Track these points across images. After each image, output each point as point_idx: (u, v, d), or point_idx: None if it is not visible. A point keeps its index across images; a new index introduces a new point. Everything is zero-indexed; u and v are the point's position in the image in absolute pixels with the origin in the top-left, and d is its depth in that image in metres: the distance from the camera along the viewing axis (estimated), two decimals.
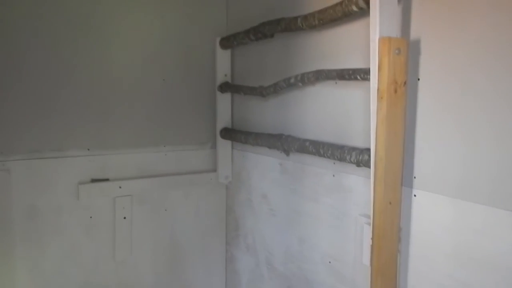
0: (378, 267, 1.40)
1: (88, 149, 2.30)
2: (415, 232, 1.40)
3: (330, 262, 1.80)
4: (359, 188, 1.63)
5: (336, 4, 1.53)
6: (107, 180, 2.36)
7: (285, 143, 1.92)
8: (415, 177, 1.39)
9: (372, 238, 1.40)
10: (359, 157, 1.50)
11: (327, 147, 1.66)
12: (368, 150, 1.46)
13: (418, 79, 1.37)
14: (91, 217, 2.31)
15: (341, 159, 1.59)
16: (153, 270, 2.52)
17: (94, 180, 2.34)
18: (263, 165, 2.28)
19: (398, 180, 1.39)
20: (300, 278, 2.01)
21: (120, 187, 2.36)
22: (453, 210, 1.27)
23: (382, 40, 1.31)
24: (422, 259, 1.38)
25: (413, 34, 1.38)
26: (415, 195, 1.40)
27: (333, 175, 1.76)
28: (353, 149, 1.54)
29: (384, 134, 1.33)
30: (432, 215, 1.34)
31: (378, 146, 1.34)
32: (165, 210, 2.54)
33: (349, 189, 1.68)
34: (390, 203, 1.39)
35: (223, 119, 2.58)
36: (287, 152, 1.97)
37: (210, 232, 2.71)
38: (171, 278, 2.59)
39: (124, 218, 2.39)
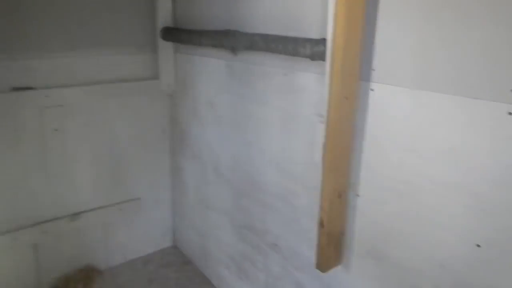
0: (330, 163, 1.34)
1: (6, 53, 1.98)
2: (371, 127, 1.34)
3: (279, 163, 1.75)
4: (312, 87, 1.52)
5: None
6: (31, 88, 2.08)
7: (232, 40, 1.74)
8: (373, 70, 1.29)
9: (326, 135, 1.32)
10: (314, 48, 1.36)
11: (279, 41, 1.50)
12: (324, 40, 1.32)
13: None
14: (15, 130, 2.06)
15: (295, 53, 1.45)
16: (92, 185, 2.37)
17: (15, 89, 2.05)
18: (209, 68, 2.09)
19: (356, 73, 1.29)
20: (247, 181, 1.97)
21: (47, 96, 2.10)
22: (411, 102, 1.20)
23: None
24: (377, 154, 1.34)
25: None
26: (372, 89, 1.31)
27: (285, 74, 1.62)
28: (308, 40, 1.40)
29: (344, 20, 1.19)
30: (390, 109, 1.27)
31: (337, 32, 1.20)
32: (103, 121, 2.32)
33: (301, 89, 1.57)
34: (346, 98, 1.30)
35: (164, 17, 2.29)
36: (234, 50, 1.79)
37: (154, 144, 2.56)
38: (113, 192, 2.46)
39: (56, 130, 2.17)
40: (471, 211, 1.11)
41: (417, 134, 1.21)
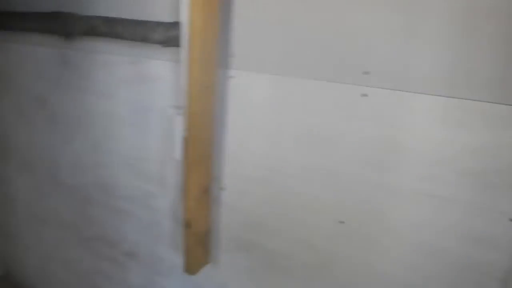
0: (193, 159, 1.25)
1: None
2: (233, 117, 1.29)
3: (132, 163, 1.57)
4: (166, 76, 1.39)
5: None
6: None
7: (64, 24, 1.48)
8: (233, 56, 1.24)
9: (187, 128, 1.22)
10: (166, 33, 1.24)
11: (125, 25, 1.33)
12: (178, 24, 1.22)
13: None
14: None
15: (144, 39, 1.30)
16: None
17: None
18: (36, 59, 1.76)
19: (215, 60, 1.22)
20: (95, 187, 1.73)
21: None
22: (272, 88, 1.19)
23: None
24: (240, 144, 1.30)
25: None
26: (232, 77, 1.26)
27: (133, 63, 1.46)
28: (159, 24, 1.27)
29: (201, 1, 1.10)
30: (251, 96, 1.24)
31: (194, 15, 1.10)
32: None
33: (153, 78, 1.43)
34: (206, 87, 1.22)
35: None
36: (68, 37, 1.53)
37: None
38: None
39: None
40: (333, 190, 1.16)
41: (279, 120, 1.21)
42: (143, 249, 1.66)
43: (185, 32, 1.16)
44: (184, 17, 1.15)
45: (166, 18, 1.31)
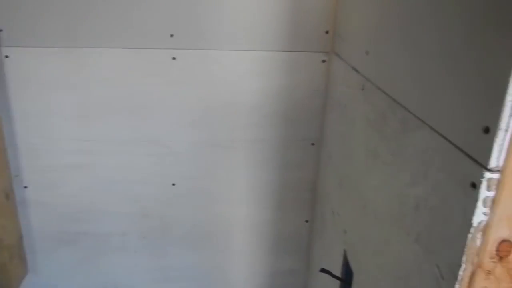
0: None
1: None
2: (18, 101, 1.08)
3: None
4: None
5: None
6: None
7: None
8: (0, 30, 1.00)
9: None
10: None
11: None
12: None
13: None
14: None
15: None
16: None
17: None
18: None
19: None
20: None
21: None
22: (66, 62, 1.05)
23: None
24: (35, 132, 1.11)
25: None
26: (6, 56, 1.03)
27: None
28: None
29: None
30: (39, 76, 1.06)
31: None
32: None
33: None
34: None
35: None
36: None
37: None
38: None
39: None
40: (165, 159, 1.16)
41: (82, 96, 1.08)
42: None
43: None
44: None
45: None
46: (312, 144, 1.17)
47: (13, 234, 1.16)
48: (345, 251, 0.89)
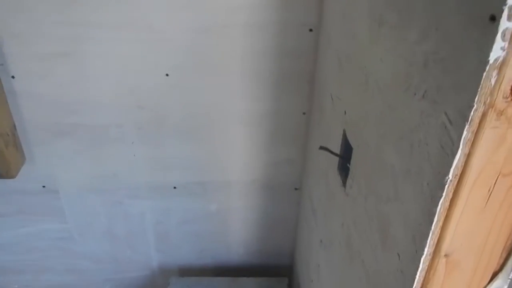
0: None
1: None
2: None
3: None
4: None
5: None
6: None
7: None
8: None
9: None
10: None
11: None
12: None
13: None
14: None
15: None
16: None
17: None
18: None
19: None
20: None
21: None
22: None
23: None
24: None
25: None
26: None
27: None
28: None
29: None
30: None
31: None
32: None
33: None
34: None
35: None
36: None
37: None
38: None
39: None
40: (158, 47, 1.11)
41: None
42: None
43: None
44: None
45: None
46: (310, 30, 1.11)
47: (5, 122, 1.14)
48: (344, 131, 0.89)
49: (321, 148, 0.89)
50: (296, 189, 1.41)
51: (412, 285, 0.57)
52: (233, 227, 1.50)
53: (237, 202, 1.43)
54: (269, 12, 1.07)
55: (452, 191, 0.49)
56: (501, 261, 0.55)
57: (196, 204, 1.42)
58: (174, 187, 1.37)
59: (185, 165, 1.33)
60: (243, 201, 1.42)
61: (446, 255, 0.54)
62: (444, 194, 0.49)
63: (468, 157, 0.47)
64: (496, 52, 0.40)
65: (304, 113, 1.25)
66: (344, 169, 0.91)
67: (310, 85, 1.20)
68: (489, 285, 0.56)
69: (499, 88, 0.41)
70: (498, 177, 0.48)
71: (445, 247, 0.53)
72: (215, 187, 1.38)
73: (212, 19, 1.07)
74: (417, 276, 0.56)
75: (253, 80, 1.18)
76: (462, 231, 0.52)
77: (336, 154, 0.88)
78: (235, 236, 1.52)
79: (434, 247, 0.54)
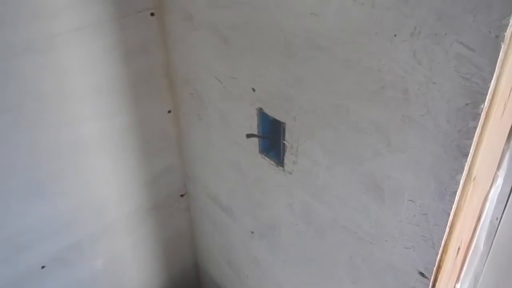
0: None
1: None
2: None
3: None
4: None
5: None
6: None
7: None
8: None
9: None
10: None
11: None
12: None
13: None
14: None
15: None
16: None
17: None
18: None
19: None
20: None
21: None
22: None
23: None
24: None
25: None
26: None
27: None
28: None
29: None
30: None
31: None
32: None
33: None
34: None
35: None
36: None
37: None
38: None
39: None
40: None
41: None
42: None
43: None
44: None
45: None
46: (152, 14, 0.94)
47: None
48: (260, 109, 0.79)
49: (249, 136, 0.78)
50: (182, 195, 1.24)
51: (448, 218, 0.56)
52: (128, 273, 1.24)
53: (126, 242, 1.18)
54: (101, 7, 0.84)
55: (484, 117, 0.49)
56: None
57: (77, 272, 1.10)
58: (42, 267, 1.02)
59: (47, 232, 0.99)
60: (132, 237, 1.18)
61: (474, 178, 0.55)
62: (479, 122, 0.48)
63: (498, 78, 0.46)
64: None
65: (169, 111, 1.08)
66: (273, 149, 0.83)
67: (168, 79, 1.03)
68: (491, 187, 0.60)
69: None
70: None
71: (475, 172, 0.54)
72: (94, 239, 1.09)
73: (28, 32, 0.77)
74: (453, 206, 0.55)
75: (102, 94, 0.93)
76: (486, 151, 0.53)
77: (265, 137, 0.79)
78: (135, 280, 1.27)
79: (465, 177, 0.53)
